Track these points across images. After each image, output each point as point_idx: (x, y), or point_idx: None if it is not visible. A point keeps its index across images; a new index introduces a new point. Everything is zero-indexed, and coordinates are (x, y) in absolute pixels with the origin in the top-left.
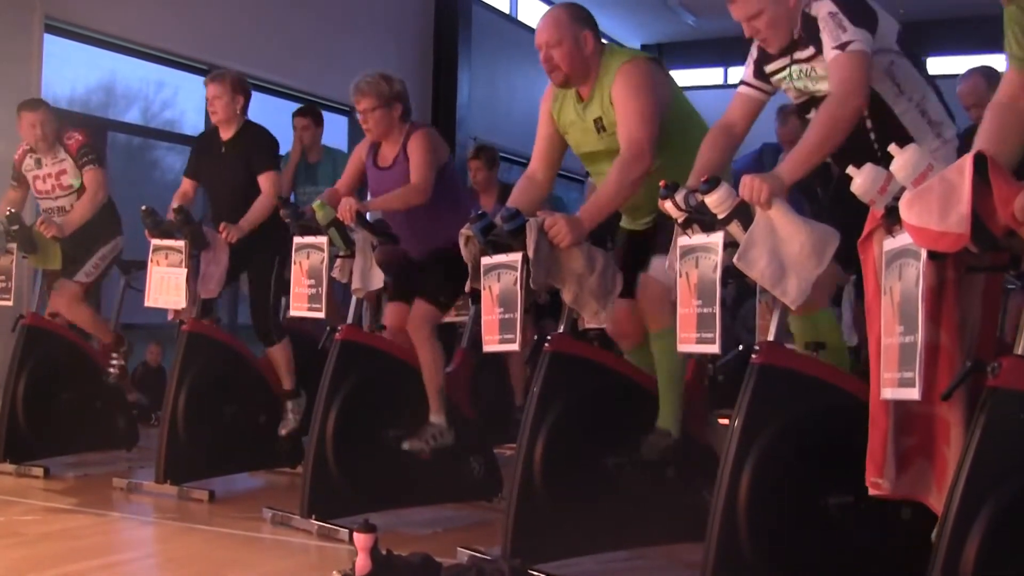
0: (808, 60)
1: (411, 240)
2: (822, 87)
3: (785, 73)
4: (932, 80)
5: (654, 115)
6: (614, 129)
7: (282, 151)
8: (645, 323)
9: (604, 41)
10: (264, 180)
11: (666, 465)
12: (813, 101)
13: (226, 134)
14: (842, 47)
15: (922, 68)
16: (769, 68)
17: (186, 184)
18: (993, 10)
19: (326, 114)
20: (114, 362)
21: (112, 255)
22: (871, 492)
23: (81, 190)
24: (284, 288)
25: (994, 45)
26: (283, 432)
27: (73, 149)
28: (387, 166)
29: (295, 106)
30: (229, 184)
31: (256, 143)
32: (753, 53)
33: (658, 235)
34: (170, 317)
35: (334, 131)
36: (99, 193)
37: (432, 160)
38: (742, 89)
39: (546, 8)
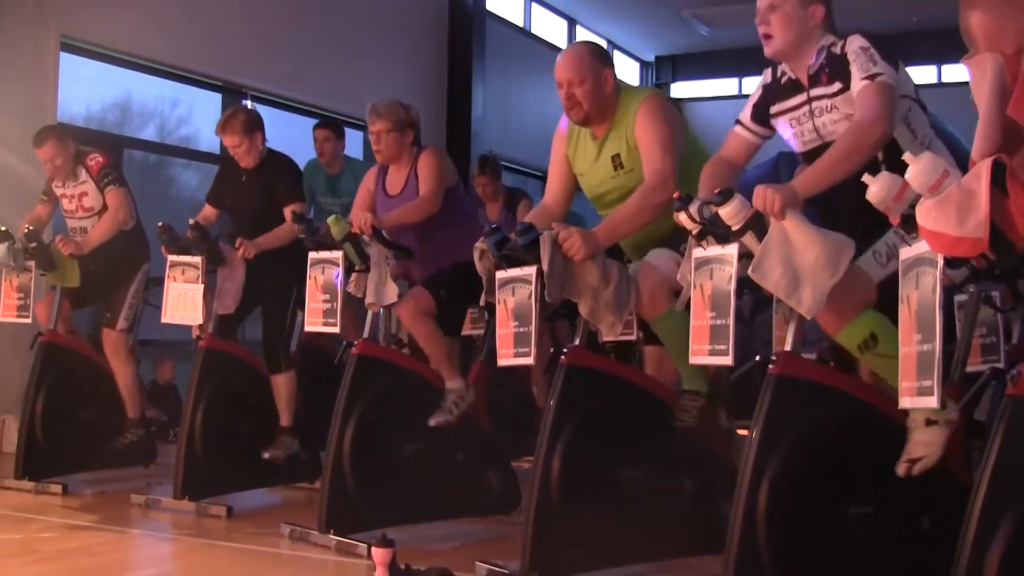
0: (832, 96)
1: (419, 262)
2: (840, 129)
3: (803, 111)
4: (943, 131)
5: (676, 146)
6: (632, 166)
7: (299, 162)
8: (642, 313)
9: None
10: (290, 212)
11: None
12: (823, 148)
13: (250, 165)
14: (871, 78)
15: (937, 123)
16: (778, 108)
17: (207, 210)
18: None
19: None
20: (128, 436)
21: (141, 287)
22: None
23: (103, 211)
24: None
25: None
26: (265, 455)
27: (94, 171)
28: (397, 193)
29: (309, 120)
30: (251, 212)
31: (282, 175)
32: (755, 95)
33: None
34: (195, 334)
35: (351, 145)
36: (120, 212)
37: (442, 173)
38: (737, 129)
39: (560, 22)
